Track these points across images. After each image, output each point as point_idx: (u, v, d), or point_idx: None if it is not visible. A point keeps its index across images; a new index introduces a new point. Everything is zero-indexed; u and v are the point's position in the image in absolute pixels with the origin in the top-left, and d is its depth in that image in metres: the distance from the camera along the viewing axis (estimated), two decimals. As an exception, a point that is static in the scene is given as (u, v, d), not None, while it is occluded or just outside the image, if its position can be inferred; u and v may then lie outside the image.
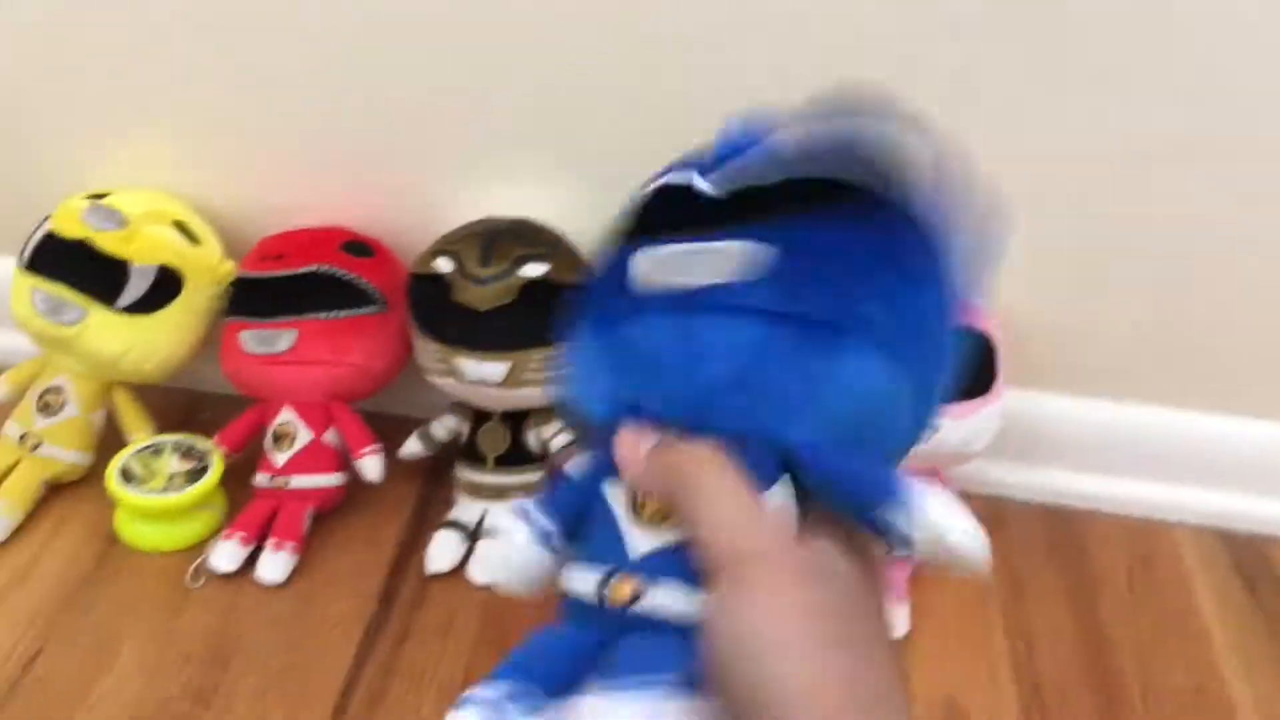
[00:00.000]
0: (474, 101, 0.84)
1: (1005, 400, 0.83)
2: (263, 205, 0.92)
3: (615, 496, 0.41)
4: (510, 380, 0.82)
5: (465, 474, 0.91)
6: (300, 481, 0.87)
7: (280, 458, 0.87)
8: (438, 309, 0.83)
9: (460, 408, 0.91)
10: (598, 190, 0.86)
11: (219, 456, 0.87)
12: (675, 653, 0.36)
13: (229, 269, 0.90)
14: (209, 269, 0.89)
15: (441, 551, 0.87)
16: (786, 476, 0.38)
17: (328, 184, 0.91)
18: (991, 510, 0.95)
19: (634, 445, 0.39)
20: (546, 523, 0.43)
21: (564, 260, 0.83)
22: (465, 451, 0.91)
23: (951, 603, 0.87)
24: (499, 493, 0.90)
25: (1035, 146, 0.79)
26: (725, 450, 0.37)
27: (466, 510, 0.90)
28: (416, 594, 0.86)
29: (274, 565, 0.84)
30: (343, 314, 0.86)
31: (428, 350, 0.84)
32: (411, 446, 0.93)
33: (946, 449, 0.81)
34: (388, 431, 0.92)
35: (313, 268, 0.86)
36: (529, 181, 0.88)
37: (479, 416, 0.90)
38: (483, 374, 0.82)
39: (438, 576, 0.87)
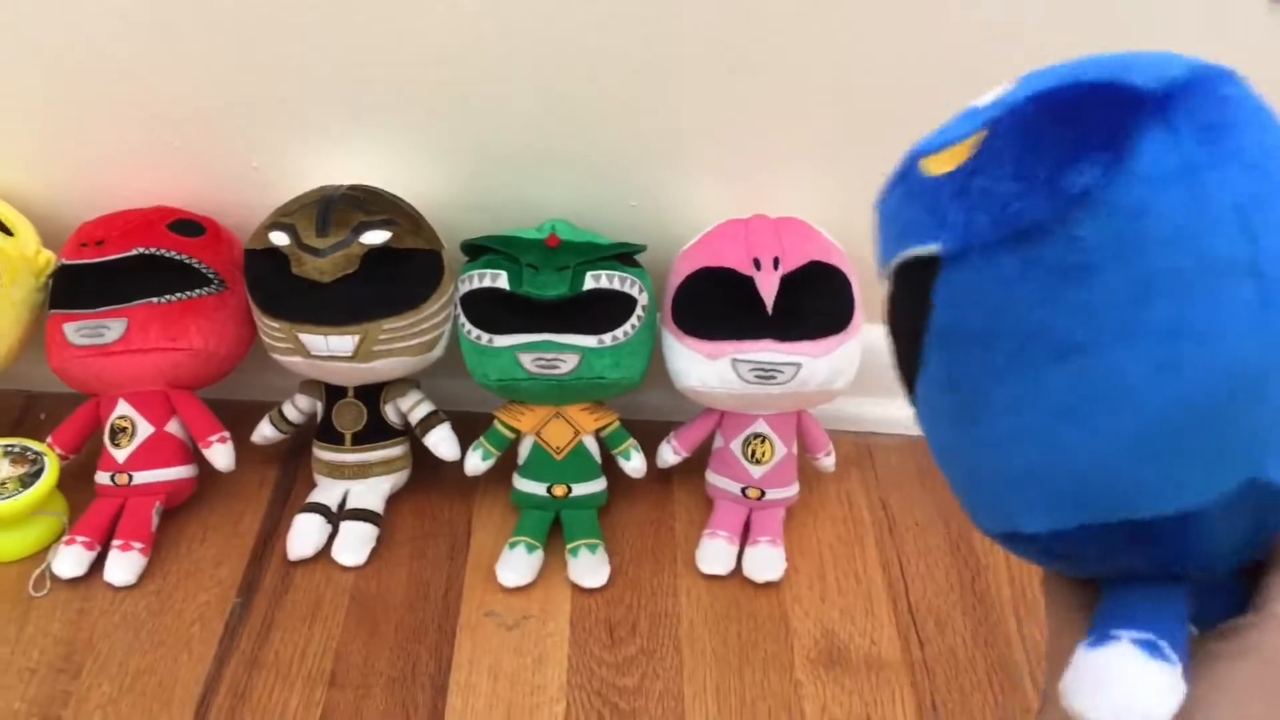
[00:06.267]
0: (302, 70, 0.80)
1: (864, 335, 0.83)
2: (81, 189, 0.87)
3: None
4: (361, 354, 0.79)
5: (323, 454, 0.87)
6: (144, 477, 0.83)
7: (120, 454, 0.83)
8: (277, 284, 0.79)
9: (312, 386, 0.88)
10: (435, 154, 0.85)
11: (54, 458, 0.82)
12: None
13: (48, 259, 0.84)
14: (26, 261, 0.83)
15: (304, 536, 0.84)
16: None
17: (151, 162, 0.86)
18: (858, 446, 0.96)
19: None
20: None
21: (406, 225, 0.80)
22: (321, 431, 0.88)
23: (827, 540, 0.88)
24: (360, 471, 0.87)
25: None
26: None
27: (328, 491, 0.87)
28: (279, 582, 0.82)
29: (122, 567, 0.80)
30: (175, 297, 0.82)
31: (271, 328, 0.81)
32: (264, 430, 0.90)
33: (811, 387, 0.80)
34: (239, 417, 0.89)
35: (138, 251, 0.81)
36: (365, 151, 0.84)
37: (332, 394, 0.86)
38: (331, 349, 0.79)
39: (301, 562, 0.84)
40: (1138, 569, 0.32)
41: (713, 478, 0.88)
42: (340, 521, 0.85)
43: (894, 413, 0.96)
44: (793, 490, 0.88)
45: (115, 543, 0.81)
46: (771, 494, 0.86)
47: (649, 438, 0.88)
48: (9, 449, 0.83)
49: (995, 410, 0.31)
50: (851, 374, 0.82)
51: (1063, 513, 0.31)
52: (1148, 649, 0.29)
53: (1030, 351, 0.30)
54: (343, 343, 0.79)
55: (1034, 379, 0.30)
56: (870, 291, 0.83)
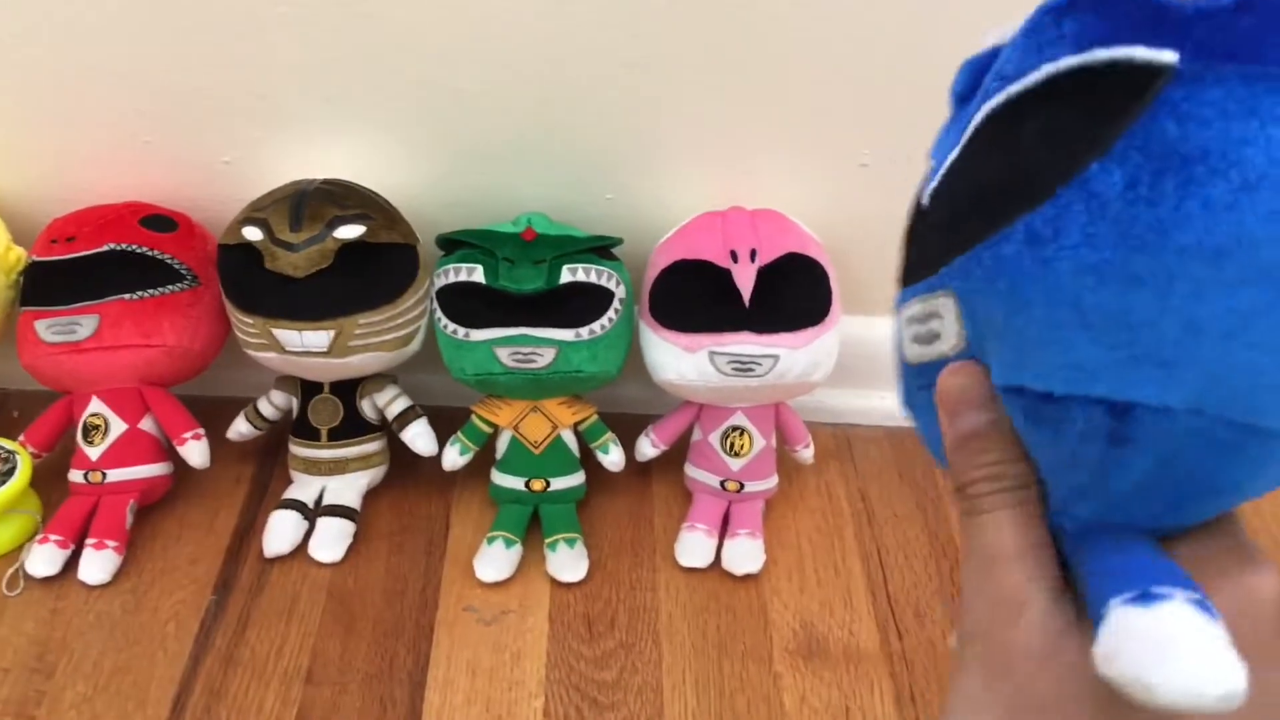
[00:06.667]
0: (276, 64, 0.79)
1: (843, 326, 0.83)
2: (52, 185, 0.86)
3: None
4: (336, 349, 0.79)
5: (299, 450, 0.87)
6: (118, 475, 0.82)
7: (94, 452, 0.82)
8: (250, 280, 0.78)
9: (287, 382, 0.87)
10: (410, 148, 0.84)
11: (26, 457, 0.82)
12: None
13: (19, 255, 0.83)
14: (-4, 257, 0.82)
15: (280, 532, 0.83)
16: None
17: (123, 157, 0.85)
18: (837, 438, 0.96)
19: (959, 398, 0.30)
20: None
21: (380, 219, 0.79)
22: (297, 427, 0.87)
23: (806, 532, 0.88)
24: (337, 467, 0.86)
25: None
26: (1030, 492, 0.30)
27: (304, 488, 0.86)
28: (256, 579, 0.82)
29: (96, 566, 0.79)
30: (148, 293, 0.81)
31: (244, 324, 0.80)
32: (239, 427, 0.89)
33: (789, 379, 0.80)
34: (214, 414, 0.88)
35: (109, 247, 0.81)
36: (339, 145, 0.84)
37: (308, 389, 0.86)
38: (306, 344, 0.79)
39: (278, 558, 0.83)
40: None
41: (691, 471, 0.88)
42: (317, 518, 0.85)
43: (873, 404, 0.97)
44: (772, 482, 0.87)
45: (89, 541, 0.80)
46: (750, 486, 0.86)
47: (627, 431, 0.88)
48: (-20, 448, 0.82)
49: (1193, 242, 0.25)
50: (830, 365, 0.82)
51: (1197, 389, 0.25)
52: (1205, 610, 0.24)
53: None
54: (317, 338, 0.78)
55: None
56: (847, 283, 0.83)
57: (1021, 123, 0.27)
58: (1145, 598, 0.24)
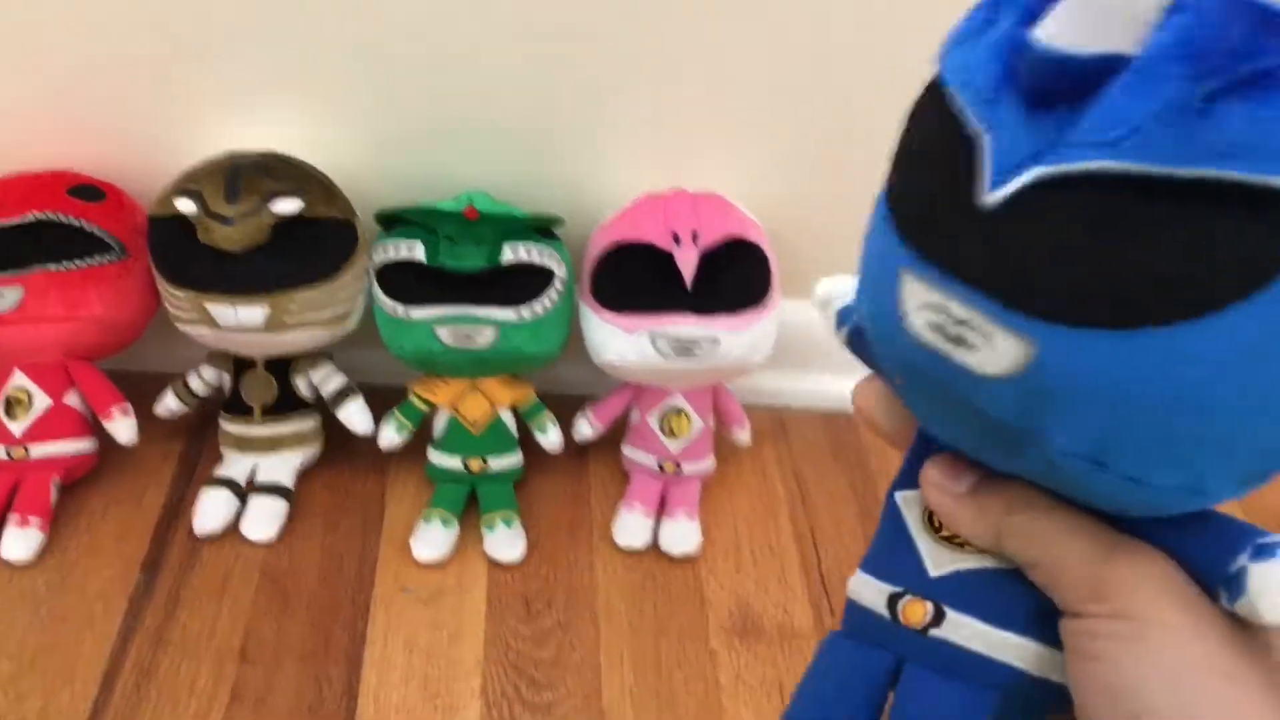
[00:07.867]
0: (208, 30, 0.77)
1: (782, 310, 0.83)
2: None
3: (907, 506, 0.35)
4: (271, 325, 0.78)
5: (231, 427, 0.85)
6: (41, 450, 0.80)
7: (16, 427, 0.80)
8: (183, 253, 0.77)
9: (219, 357, 0.85)
10: (348, 122, 0.83)
11: (-55, 431, 0.79)
12: (971, 704, 0.31)
13: (-62, 223, 0.81)
14: (-87, 224, 0.79)
15: (211, 511, 0.82)
16: None
17: (49, 123, 0.82)
18: (773, 420, 0.97)
19: (943, 488, 0.32)
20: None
21: (318, 194, 0.78)
22: (229, 403, 0.86)
23: (742, 512, 0.89)
24: (270, 444, 0.85)
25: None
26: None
27: (235, 465, 0.85)
28: (186, 558, 0.80)
29: (18, 543, 0.77)
30: (74, 264, 0.79)
31: (176, 298, 0.78)
32: (168, 403, 0.87)
33: (729, 362, 0.81)
34: (142, 389, 0.86)
35: (34, 216, 0.78)
36: (275, 116, 0.82)
37: (240, 365, 0.84)
38: (240, 320, 0.77)
39: (209, 538, 0.82)
40: None
41: (629, 451, 0.88)
42: (249, 496, 0.83)
43: (809, 386, 0.98)
44: (709, 463, 0.88)
45: (12, 518, 0.78)
46: (688, 467, 0.87)
47: (566, 412, 0.88)
48: (-105, 422, 0.79)
49: None
50: (769, 348, 0.83)
51: None
52: None
53: None
54: (252, 314, 0.77)
55: None
56: (785, 266, 0.84)
57: None
58: (1263, 551, 0.27)
